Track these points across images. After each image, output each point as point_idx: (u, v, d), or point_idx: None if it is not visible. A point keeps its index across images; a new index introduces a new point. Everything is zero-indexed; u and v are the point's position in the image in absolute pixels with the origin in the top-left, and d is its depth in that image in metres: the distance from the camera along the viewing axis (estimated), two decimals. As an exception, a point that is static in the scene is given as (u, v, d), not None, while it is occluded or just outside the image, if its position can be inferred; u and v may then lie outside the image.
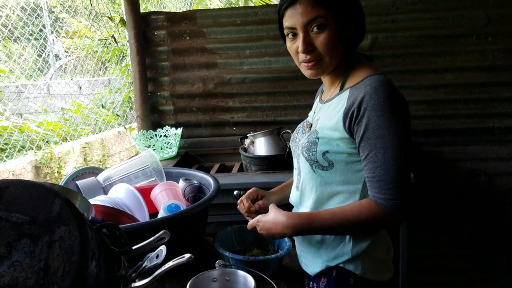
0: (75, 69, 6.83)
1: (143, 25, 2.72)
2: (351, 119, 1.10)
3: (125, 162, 1.60)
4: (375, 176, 1.08)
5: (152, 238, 1.04)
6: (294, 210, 1.35)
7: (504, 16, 2.52)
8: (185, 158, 2.68)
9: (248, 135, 2.41)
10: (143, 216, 1.38)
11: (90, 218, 0.95)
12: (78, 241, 0.72)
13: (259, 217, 1.23)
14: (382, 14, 2.59)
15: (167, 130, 2.65)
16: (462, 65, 2.60)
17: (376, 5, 2.59)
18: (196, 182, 1.59)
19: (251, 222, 1.26)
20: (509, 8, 2.51)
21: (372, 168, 1.09)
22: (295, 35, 1.16)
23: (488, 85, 2.61)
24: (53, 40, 6.04)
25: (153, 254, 0.95)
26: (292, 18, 1.13)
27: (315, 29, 1.11)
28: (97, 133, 4.70)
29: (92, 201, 1.33)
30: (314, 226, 1.14)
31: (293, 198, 1.36)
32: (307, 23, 1.11)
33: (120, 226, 1.04)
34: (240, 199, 1.40)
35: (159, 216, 1.35)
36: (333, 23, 1.11)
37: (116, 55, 5.36)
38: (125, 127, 4.11)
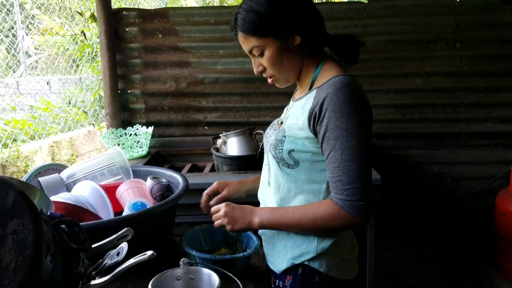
0: (46, 67, 6.67)
1: (114, 21, 2.67)
2: (314, 119, 1.12)
3: (90, 159, 1.56)
4: (333, 176, 1.10)
5: (114, 236, 1.01)
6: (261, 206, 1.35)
7: (471, 23, 2.59)
8: (156, 157, 2.64)
9: (220, 135, 2.39)
10: (107, 214, 1.34)
11: (48, 213, 0.92)
12: (32, 235, 0.70)
13: (225, 203, 1.26)
14: (354, 19, 2.62)
15: (137, 129, 2.60)
16: (431, 70, 2.65)
17: (347, 9, 2.62)
18: (164, 181, 1.56)
19: (216, 207, 1.27)
20: (476, 16, 2.58)
21: (331, 169, 1.11)
22: None
23: (456, 90, 2.68)
24: (22, 36, 5.88)
25: (114, 251, 0.93)
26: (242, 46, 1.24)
27: (256, 54, 1.20)
28: (66, 132, 4.58)
29: (54, 198, 1.28)
30: (277, 217, 1.18)
31: (262, 193, 1.36)
32: (248, 51, 1.22)
33: (81, 223, 1.01)
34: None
35: (124, 214, 1.31)
36: (271, 44, 1.17)
37: (88, 53, 5.25)
38: (93, 125, 4.02)
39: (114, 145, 2.46)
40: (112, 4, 2.72)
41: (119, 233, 1.01)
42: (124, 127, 2.64)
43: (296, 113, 1.20)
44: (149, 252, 0.90)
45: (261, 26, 1.15)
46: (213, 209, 1.29)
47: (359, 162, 1.07)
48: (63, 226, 0.89)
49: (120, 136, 2.56)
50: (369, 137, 1.11)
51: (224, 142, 2.37)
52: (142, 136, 2.56)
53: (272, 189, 1.28)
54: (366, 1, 2.66)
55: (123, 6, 5.84)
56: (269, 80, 1.26)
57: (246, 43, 1.19)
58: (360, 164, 1.07)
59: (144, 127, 2.62)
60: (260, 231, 1.34)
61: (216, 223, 1.27)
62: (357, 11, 2.62)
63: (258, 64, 1.23)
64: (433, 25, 2.61)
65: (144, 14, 2.70)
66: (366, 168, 1.08)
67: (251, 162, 2.23)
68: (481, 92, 2.67)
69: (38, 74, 6.28)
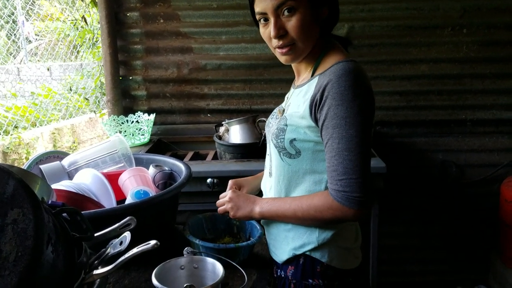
0: (46, 53, 6.62)
1: (115, 6, 2.62)
2: (315, 107, 1.08)
3: (92, 147, 1.54)
4: (330, 166, 1.07)
5: (117, 225, 1.00)
6: (263, 196, 1.34)
7: (479, 8, 2.54)
8: (158, 145, 2.62)
9: (223, 122, 2.37)
10: (110, 202, 1.33)
11: (50, 202, 0.90)
12: (33, 225, 0.68)
13: (232, 190, 1.28)
14: (360, 3, 2.57)
15: (139, 116, 2.58)
16: (437, 56, 2.61)
17: (353, -7, 2.57)
18: (167, 169, 1.54)
19: (223, 194, 1.29)
20: (484, 0, 2.53)
21: (328, 158, 1.07)
22: (267, 20, 1.13)
23: (462, 77, 2.64)
24: (23, 21, 5.82)
25: (117, 240, 0.91)
26: (262, 3, 1.10)
27: (286, 13, 1.08)
28: (67, 119, 4.56)
29: (56, 186, 1.27)
30: (275, 207, 1.18)
31: (264, 183, 1.35)
32: (277, 7, 1.08)
33: (83, 212, 0.99)
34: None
35: (127, 202, 1.30)
36: (305, 5, 1.08)
37: (89, 39, 5.20)
38: (95, 112, 4.00)
39: (116, 132, 2.44)
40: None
41: (122, 221, 0.99)
42: (126, 114, 2.61)
43: (298, 101, 1.17)
44: (153, 242, 0.88)
45: None
46: (221, 196, 1.29)
47: (356, 152, 1.03)
48: (64, 215, 0.88)
49: (122, 123, 2.53)
50: (369, 127, 1.07)
51: (227, 130, 2.34)
52: (143, 123, 2.54)
53: (273, 179, 1.25)
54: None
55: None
56: (283, 50, 1.13)
57: None
58: (356, 154, 1.03)
59: (146, 114, 2.59)
60: (262, 221, 1.33)
61: (220, 209, 1.28)
62: (363, -4, 2.57)
63: (280, 26, 1.09)
64: (439, 10, 2.55)
65: (146, -1, 2.65)
66: (364, 158, 1.04)
67: (254, 150, 2.21)
68: (487, 78, 2.63)
69: (38, 60, 6.24)
